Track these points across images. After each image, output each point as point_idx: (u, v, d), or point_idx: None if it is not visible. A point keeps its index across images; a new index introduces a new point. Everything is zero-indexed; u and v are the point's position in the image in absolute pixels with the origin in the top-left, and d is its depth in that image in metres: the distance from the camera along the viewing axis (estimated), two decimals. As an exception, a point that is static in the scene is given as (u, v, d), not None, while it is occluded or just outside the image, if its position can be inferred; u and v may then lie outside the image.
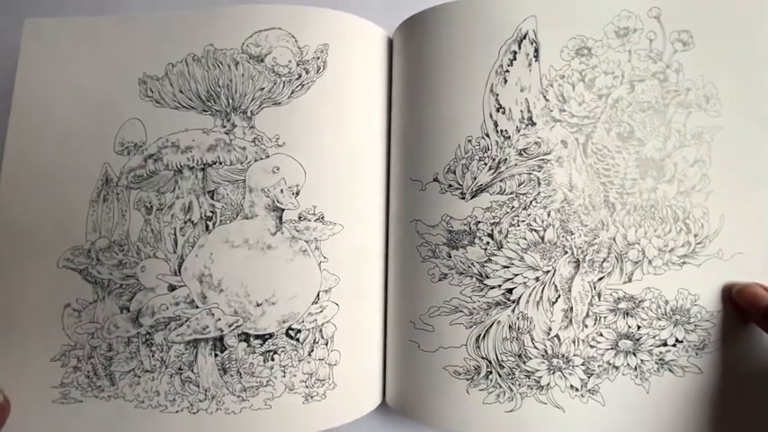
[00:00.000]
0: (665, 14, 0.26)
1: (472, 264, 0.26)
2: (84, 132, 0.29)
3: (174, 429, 0.26)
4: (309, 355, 0.27)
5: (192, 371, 0.26)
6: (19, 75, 0.30)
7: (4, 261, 0.28)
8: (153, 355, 0.27)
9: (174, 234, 0.27)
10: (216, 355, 0.26)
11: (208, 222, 0.27)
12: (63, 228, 0.27)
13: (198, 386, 0.26)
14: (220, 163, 0.27)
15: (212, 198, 0.27)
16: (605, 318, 0.25)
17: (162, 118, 0.28)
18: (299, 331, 0.27)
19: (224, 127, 0.28)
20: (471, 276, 0.26)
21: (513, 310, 0.26)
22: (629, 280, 0.26)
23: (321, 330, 0.27)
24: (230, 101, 0.28)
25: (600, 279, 0.26)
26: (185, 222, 0.27)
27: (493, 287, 0.26)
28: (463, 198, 0.26)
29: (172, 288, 0.27)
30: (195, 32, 0.28)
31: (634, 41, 0.26)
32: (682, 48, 0.26)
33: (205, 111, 0.28)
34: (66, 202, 0.28)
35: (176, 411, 0.26)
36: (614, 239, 0.26)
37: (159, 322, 0.27)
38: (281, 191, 0.27)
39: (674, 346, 0.25)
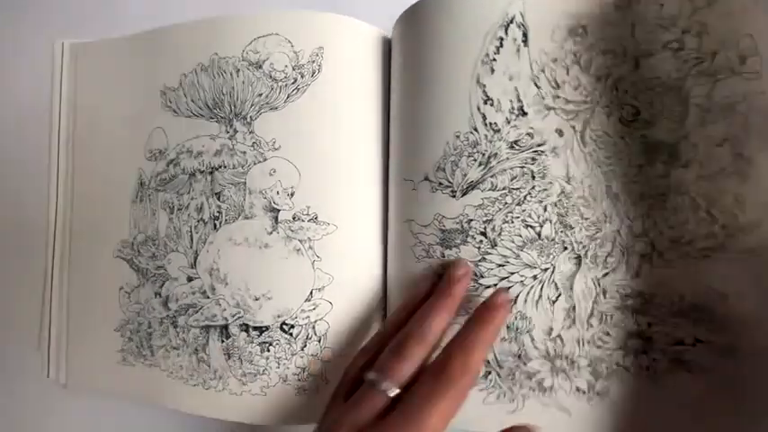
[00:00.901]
0: None
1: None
2: (123, 142, 0.31)
3: (192, 400, 0.28)
4: (302, 350, 0.27)
5: (205, 352, 0.28)
6: (65, 94, 0.33)
7: (80, 251, 0.32)
8: (178, 335, 0.29)
9: (190, 231, 0.29)
10: (222, 341, 0.28)
11: (215, 222, 0.28)
12: (115, 224, 0.31)
13: (209, 366, 0.28)
14: (225, 167, 0.28)
15: (219, 199, 0.28)
16: (612, 316, 0.22)
17: (179, 126, 0.29)
18: (293, 326, 0.27)
19: (227, 132, 0.28)
20: None
21: (510, 309, 0.24)
22: (637, 275, 0.22)
23: (314, 327, 0.27)
24: (232, 107, 0.28)
25: (605, 275, 0.23)
26: (198, 221, 0.28)
27: (488, 286, 0.24)
28: (454, 196, 0.25)
29: (190, 279, 0.29)
30: (202, 42, 0.29)
31: (639, 11, 0.22)
32: (705, 4, 0.21)
33: (212, 118, 0.29)
34: (116, 203, 0.31)
35: (194, 385, 0.28)
36: (619, 232, 0.23)
37: (181, 307, 0.29)
38: (277, 192, 0.27)
39: (694, 345, 0.22)
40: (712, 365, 0.22)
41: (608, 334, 0.23)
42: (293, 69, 0.27)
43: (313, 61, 0.27)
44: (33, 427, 0.35)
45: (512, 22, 0.24)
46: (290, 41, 0.27)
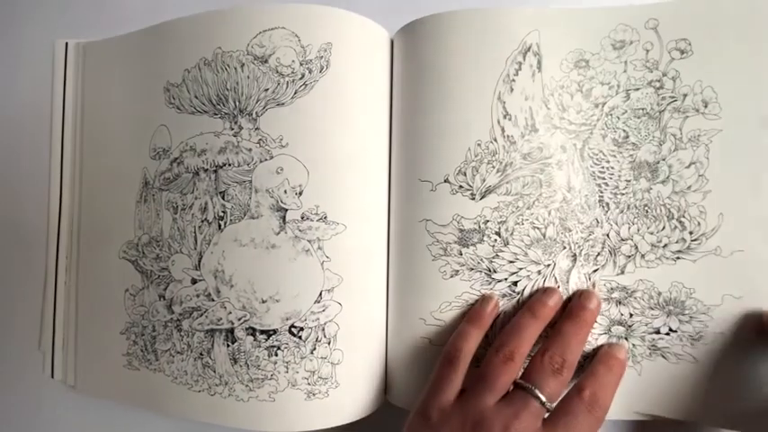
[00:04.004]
0: (663, 25, 0.22)
1: (481, 260, 0.23)
2: (128, 141, 0.26)
3: (197, 406, 0.24)
4: (312, 353, 0.23)
5: (210, 357, 0.23)
6: (68, 94, 0.28)
7: (87, 251, 0.27)
8: (182, 339, 0.24)
9: (194, 232, 0.23)
10: (228, 346, 0.23)
11: (220, 222, 0.23)
12: (120, 225, 0.26)
13: (214, 371, 0.23)
14: (229, 165, 0.23)
15: (223, 198, 0.23)
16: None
17: (182, 123, 0.24)
18: (302, 329, 0.22)
19: (232, 129, 0.23)
20: (481, 272, 0.23)
21: (518, 301, 0.23)
22: (622, 272, 0.23)
23: (324, 329, 0.23)
24: (237, 103, 0.23)
25: (594, 271, 0.23)
26: (202, 221, 0.23)
27: (500, 281, 0.23)
28: (473, 199, 0.23)
29: (194, 281, 0.23)
30: (205, 36, 0.23)
31: (630, 53, 0.23)
32: (679, 56, 0.22)
33: (216, 114, 0.23)
34: (122, 203, 0.26)
35: (199, 391, 0.23)
36: (608, 235, 0.23)
37: (185, 311, 0.23)
38: (285, 191, 0.22)
39: (668, 334, 0.22)
40: (682, 351, 0.22)
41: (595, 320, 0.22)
42: (300, 64, 0.22)
43: (321, 57, 0.22)
44: (33, 426, 0.30)
45: (529, 49, 0.23)
46: (297, 36, 0.22)
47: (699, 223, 0.22)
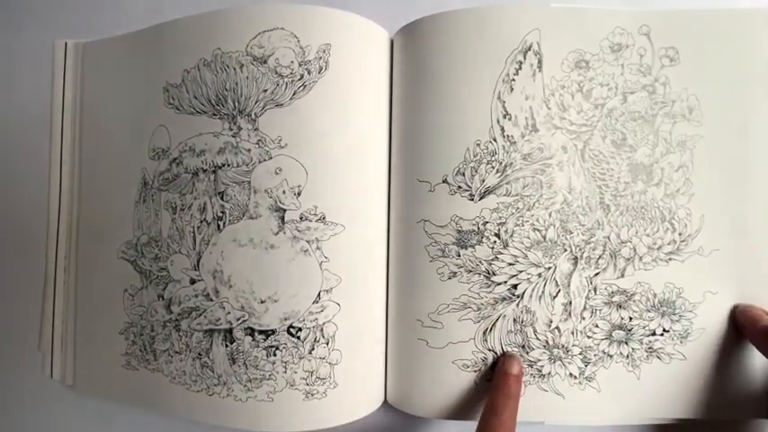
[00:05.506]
0: (654, 32, 0.23)
1: (480, 262, 0.22)
2: (127, 142, 0.25)
3: (195, 406, 0.23)
4: (310, 353, 0.22)
5: (209, 357, 0.22)
6: (68, 94, 0.27)
7: (84, 253, 0.26)
8: (180, 339, 0.23)
9: (193, 232, 0.23)
10: (226, 346, 0.22)
11: (219, 222, 0.22)
12: (119, 225, 0.25)
13: (213, 371, 0.22)
14: (228, 165, 0.22)
15: (222, 199, 0.22)
16: (600, 310, 0.22)
17: (181, 124, 0.23)
18: (300, 329, 0.22)
19: (231, 130, 0.22)
20: (479, 274, 0.22)
21: (517, 305, 0.22)
22: (622, 275, 0.22)
23: (322, 329, 0.22)
24: (236, 104, 0.22)
25: (596, 274, 0.23)
26: (201, 222, 0.23)
27: (499, 284, 0.22)
28: (472, 199, 0.22)
29: (192, 281, 0.23)
30: (205, 37, 0.23)
31: (626, 56, 0.23)
32: (669, 63, 0.23)
33: (215, 115, 0.22)
34: (121, 203, 0.25)
35: (197, 391, 0.23)
36: (609, 238, 0.22)
37: (184, 311, 0.23)
38: (284, 192, 0.22)
39: (662, 335, 0.22)
40: (673, 350, 0.23)
41: (596, 326, 0.23)
42: (299, 65, 0.22)
43: (320, 57, 0.22)
44: (32, 426, 0.30)
45: (529, 49, 0.22)
46: (296, 36, 0.22)
47: (686, 225, 0.22)
